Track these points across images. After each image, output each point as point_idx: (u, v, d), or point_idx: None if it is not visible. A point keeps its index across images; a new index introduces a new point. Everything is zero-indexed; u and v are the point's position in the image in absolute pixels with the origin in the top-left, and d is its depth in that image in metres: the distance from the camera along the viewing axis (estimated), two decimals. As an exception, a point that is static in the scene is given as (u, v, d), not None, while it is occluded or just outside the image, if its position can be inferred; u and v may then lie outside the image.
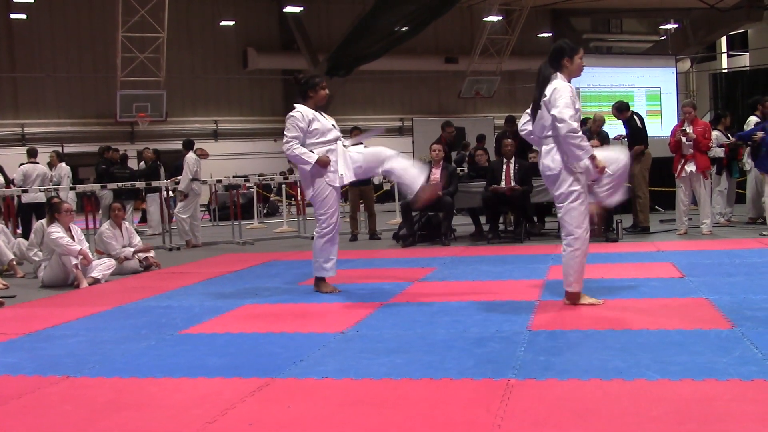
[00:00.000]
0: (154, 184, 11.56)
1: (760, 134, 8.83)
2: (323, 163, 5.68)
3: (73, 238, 7.27)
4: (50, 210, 7.49)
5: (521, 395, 3.10)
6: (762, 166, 8.94)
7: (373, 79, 24.03)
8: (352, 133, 11.08)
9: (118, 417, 3.07)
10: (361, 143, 6.09)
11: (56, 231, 7.19)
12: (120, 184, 11.38)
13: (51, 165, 13.13)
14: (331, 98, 5.61)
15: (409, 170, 5.67)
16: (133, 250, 8.03)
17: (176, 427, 2.94)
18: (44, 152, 14.51)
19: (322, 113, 5.88)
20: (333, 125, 5.84)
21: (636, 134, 9.44)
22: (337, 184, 5.75)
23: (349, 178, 5.79)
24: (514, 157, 9.23)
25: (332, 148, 5.75)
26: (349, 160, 5.81)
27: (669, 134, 9.37)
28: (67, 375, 3.72)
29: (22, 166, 11.81)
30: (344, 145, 5.85)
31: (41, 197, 10.92)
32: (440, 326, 4.48)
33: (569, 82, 4.84)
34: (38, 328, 4.97)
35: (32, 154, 12.00)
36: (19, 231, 10.76)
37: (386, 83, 25.18)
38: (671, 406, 2.87)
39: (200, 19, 23.07)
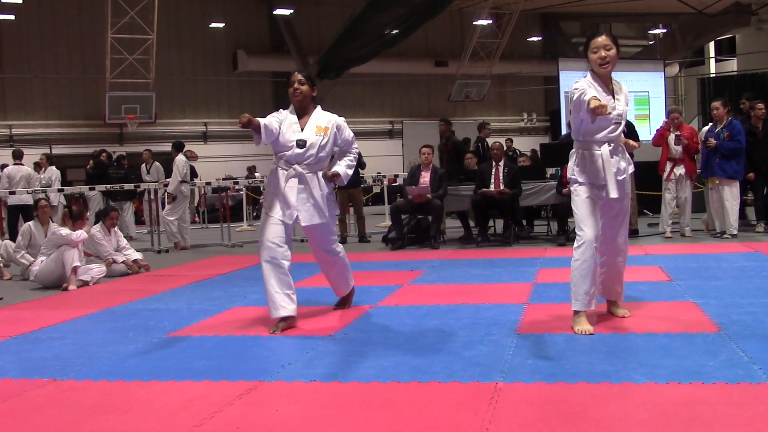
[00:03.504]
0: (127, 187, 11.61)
1: (713, 141, 8.84)
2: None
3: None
4: (76, 214, 7.70)
5: (509, 398, 3.10)
6: (722, 171, 8.85)
7: (363, 82, 24.01)
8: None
9: (105, 420, 3.06)
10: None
11: (66, 229, 7.32)
12: (109, 186, 11.37)
13: (40, 167, 13.08)
14: (321, 100, 5.08)
15: None
16: (122, 259, 8.00)
17: (163, 431, 2.93)
18: (32, 154, 14.45)
19: (305, 120, 4.78)
20: (300, 142, 4.68)
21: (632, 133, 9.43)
22: (268, 213, 4.71)
23: (283, 216, 4.65)
24: (503, 161, 9.26)
25: (287, 171, 4.70)
26: (298, 191, 4.69)
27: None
28: (54, 378, 3.70)
29: (5, 168, 11.75)
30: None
31: (27, 199, 10.88)
32: (428, 329, 4.48)
33: (600, 78, 4.31)
34: (25, 330, 4.94)
35: (17, 156, 11.95)
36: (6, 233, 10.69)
37: (376, 86, 25.16)
38: (658, 410, 2.89)
39: (190, 20, 22.98)
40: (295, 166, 4.69)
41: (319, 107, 4.92)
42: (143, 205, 13.75)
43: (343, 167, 4.87)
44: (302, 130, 4.75)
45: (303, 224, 4.72)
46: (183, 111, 23.18)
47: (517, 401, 3.07)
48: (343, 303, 5.29)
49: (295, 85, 4.79)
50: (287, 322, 4.61)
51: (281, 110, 4.89)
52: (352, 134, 4.98)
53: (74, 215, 7.59)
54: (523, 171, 10.26)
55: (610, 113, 4.06)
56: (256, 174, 19.01)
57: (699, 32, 23.31)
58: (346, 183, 5.06)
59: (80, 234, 7.31)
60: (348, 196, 10.39)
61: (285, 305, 4.58)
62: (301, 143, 4.70)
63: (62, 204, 12.05)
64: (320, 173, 4.78)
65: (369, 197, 18.59)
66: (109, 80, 16.93)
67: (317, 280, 6.44)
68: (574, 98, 4.16)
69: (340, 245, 5.12)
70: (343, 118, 4.98)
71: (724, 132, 8.78)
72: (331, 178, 4.81)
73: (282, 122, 4.75)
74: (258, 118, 4.59)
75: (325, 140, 4.78)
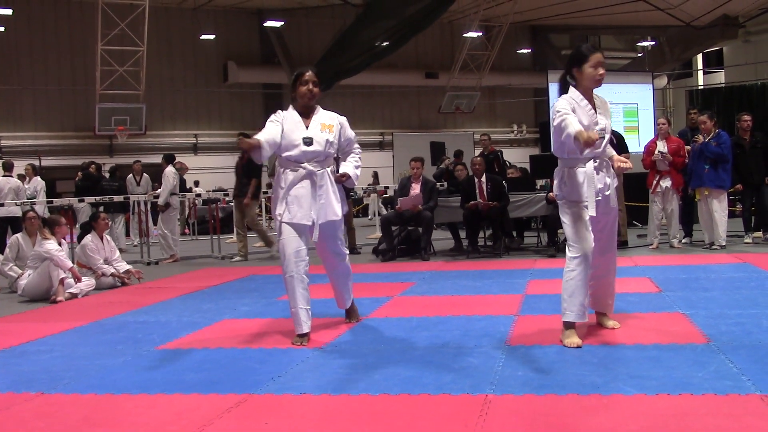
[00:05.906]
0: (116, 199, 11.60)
1: (699, 137, 8.85)
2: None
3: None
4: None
5: (499, 410, 3.10)
6: (709, 180, 8.79)
7: (353, 93, 24.06)
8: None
9: (93, 434, 3.03)
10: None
11: (52, 242, 7.24)
12: (99, 198, 11.33)
13: (25, 177, 13.01)
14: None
15: None
16: (112, 270, 7.95)
17: (152, 445, 2.91)
18: (22, 165, 14.38)
19: (309, 119, 4.69)
20: (306, 139, 4.58)
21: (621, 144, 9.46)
22: (283, 219, 4.59)
23: (301, 218, 4.56)
24: (484, 175, 9.28)
25: (297, 171, 4.61)
26: (311, 191, 4.59)
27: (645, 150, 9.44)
28: (42, 391, 3.68)
29: None
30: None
31: (16, 211, 10.82)
32: (419, 341, 4.48)
33: (584, 93, 4.27)
34: (13, 343, 4.90)
35: (7, 168, 11.89)
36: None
37: (367, 98, 25.22)
38: (647, 421, 2.89)
39: (180, 32, 22.99)
40: (305, 164, 4.62)
41: (319, 107, 4.86)
42: (131, 217, 13.70)
43: (351, 168, 4.81)
44: (307, 128, 4.68)
45: (318, 222, 4.64)
46: (173, 123, 23.17)
47: (507, 413, 3.07)
48: (353, 315, 5.26)
49: (310, 86, 4.72)
50: (308, 336, 4.61)
51: (279, 111, 4.83)
52: (353, 133, 4.94)
53: (49, 223, 7.55)
54: (513, 183, 10.28)
55: (601, 138, 4.04)
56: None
57: (687, 45, 23.50)
58: (356, 184, 4.99)
59: (62, 255, 7.22)
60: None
61: (307, 320, 4.59)
62: (307, 140, 4.62)
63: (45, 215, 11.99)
64: (329, 169, 4.73)
65: (359, 209, 18.59)
66: (99, 92, 16.90)
67: (311, 292, 6.43)
68: (555, 123, 4.11)
69: (346, 248, 5.11)
70: (344, 117, 4.96)
71: (712, 142, 8.83)
72: (342, 180, 4.75)
73: (283, 123, 4.67)
74: (256, 137, 4.54)
75: (332, 137, 4.72)
